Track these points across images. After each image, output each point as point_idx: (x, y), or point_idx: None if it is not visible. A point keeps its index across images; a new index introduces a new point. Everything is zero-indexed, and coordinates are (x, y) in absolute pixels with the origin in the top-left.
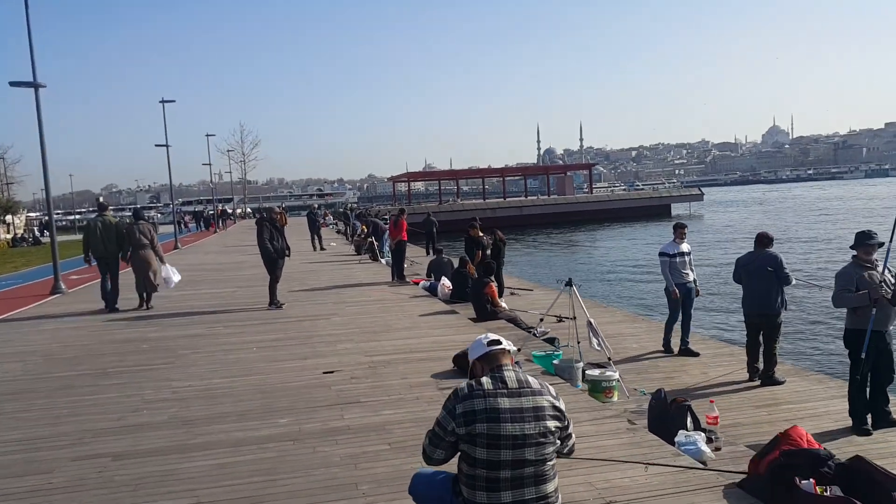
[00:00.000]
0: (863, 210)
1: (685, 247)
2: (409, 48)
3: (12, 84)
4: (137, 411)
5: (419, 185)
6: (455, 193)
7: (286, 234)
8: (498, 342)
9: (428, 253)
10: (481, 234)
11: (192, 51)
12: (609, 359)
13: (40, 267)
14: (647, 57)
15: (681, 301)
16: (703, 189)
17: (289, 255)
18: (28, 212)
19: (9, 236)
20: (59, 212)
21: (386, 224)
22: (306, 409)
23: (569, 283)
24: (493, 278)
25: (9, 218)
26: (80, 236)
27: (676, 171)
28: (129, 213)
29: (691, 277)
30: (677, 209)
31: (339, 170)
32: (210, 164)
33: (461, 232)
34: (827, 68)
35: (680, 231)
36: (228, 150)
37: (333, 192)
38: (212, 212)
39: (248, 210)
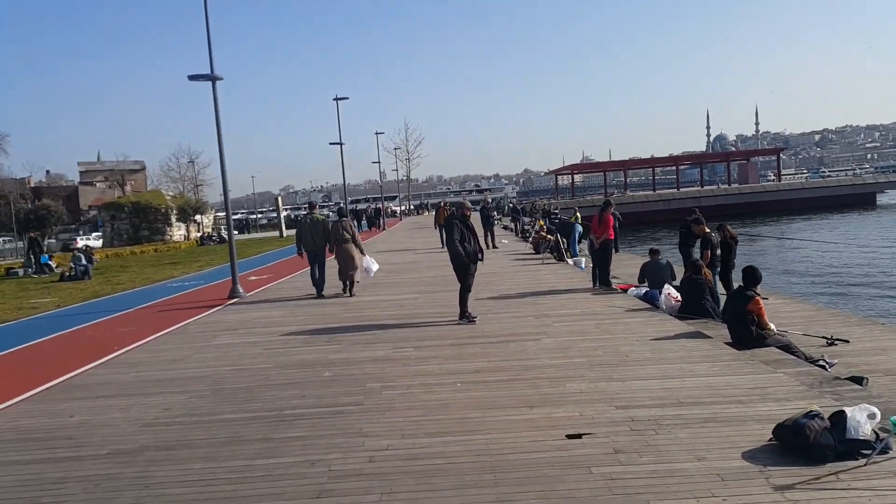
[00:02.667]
0: None
1: None
2: (562, 37)
3: (191, 78)
4: (323, 495)
5: (577, 178)
6: (623, 185)
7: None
8: None
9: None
10: (707, 229)
11: (349, 48)
12: None
13: (223, 266)
14: (830, 28)
15: None
16: None
17: (482, 260)
18: (216, 212)
19: (197, 235)
20: (244, 211)
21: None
22: None
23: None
24: (758, 290)
25: (198, 217)
26: (247, 236)
27: (868, 156)
28: (305, 211)
29: None
30: (884, 198)
31: (495, 165)
32: (379, 162)
33: (633, 226)
34: None
35: None
36: (395, 148)
37: (491, 188)
38: (369, 209)
39: (412, 206)
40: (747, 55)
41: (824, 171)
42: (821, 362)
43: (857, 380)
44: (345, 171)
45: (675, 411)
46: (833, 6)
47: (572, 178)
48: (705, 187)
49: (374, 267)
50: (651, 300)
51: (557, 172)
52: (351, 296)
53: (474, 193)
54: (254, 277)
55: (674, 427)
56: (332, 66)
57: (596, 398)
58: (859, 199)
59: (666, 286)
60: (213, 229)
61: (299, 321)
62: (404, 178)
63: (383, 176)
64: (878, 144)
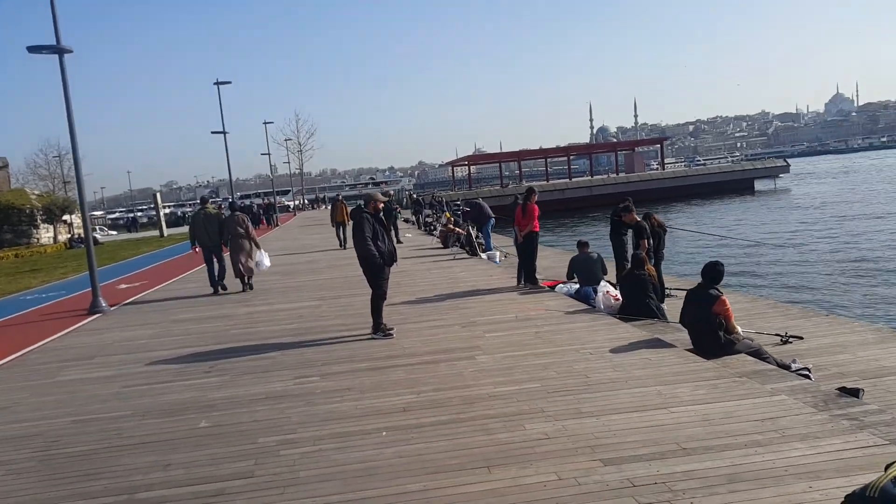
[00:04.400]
0: None
1: None
2: (453, 29)
3: (31, 49)
4: None
5: (473, 170)
6: (518, 175)
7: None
8: None
9: (516, 242)
10: (638, 219)
11: (236, 38)
12: None
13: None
14: (698, 28)
15: None
16: (787, 160)
17: (396, 261)
18: (92, 210)
19: (66, 237)
20: (122, 209)
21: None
22: None
23: None
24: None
25: (68, 218)
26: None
27: (738, 145)
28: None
29: None
30: (760, 184)
31: (389, 158)
32: (269, 154)
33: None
34: (889, 31)
35: None
36: (286, 140)
37: (387, 181)
38: (262, 204)
39: (306, 201)
40: (625, 50)
41: (699, 160)
42: (794, 367)
43: (853, 392)
44: (230, 162)
45: (682, 464)
46: (702, 7)
47: (469, 170)
48: (595, 177)
49: (267, 262)
50: (585, 298)
51: (453, 164)
52: (251, 290)
53: (370, 186)
54: (124, 286)
55: (694, 494)
56: (216, 55)
57: (570, 447)
58: (739, 185)
59: (603, 283)
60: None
61: (173, 343)
62: (297, 171)
63: (274, 169)
64: (746, 134)
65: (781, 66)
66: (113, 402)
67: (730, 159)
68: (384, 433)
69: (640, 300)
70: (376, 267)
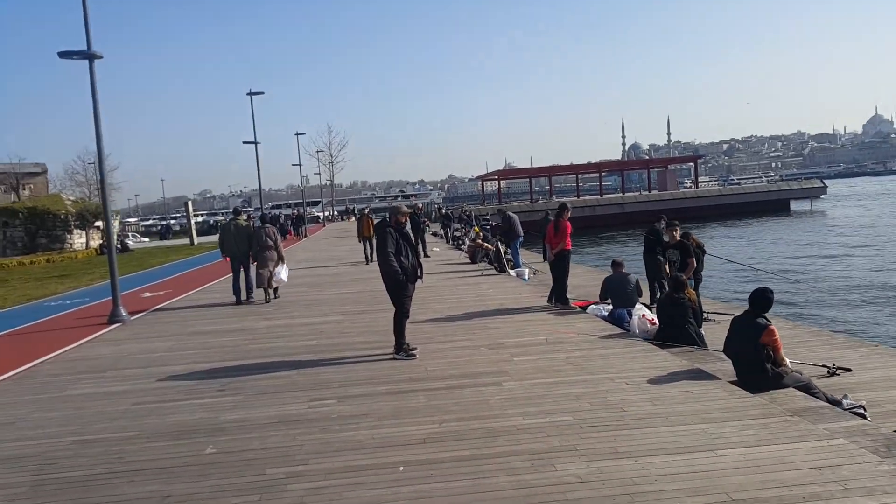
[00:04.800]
0: None
1: None
2: (488, 46)
3: (61, 55)
4: None
5: (503, 184)
6: (549, 191)
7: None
8: None
9: (545, 259)
10: (679, 237)
11: (272, 48)
12: None
13: (119, 279)
14: (735, 46)
15: None
16: (823, 182)
17: (421, 278)
18: (125, 217)
19: (97, 243)
20: (156, 216)
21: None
22: None
23: None
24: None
25: (101, 224)
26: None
27: (772, 165)
28: (229, 216)
29: None
30: (796, 205)
31: (419, 171)
32: (300, 165)
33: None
34: None
35: None
36: (318, 151)
37: (416, 194)
38: (285, 215)
39: (336, 213)
40: (659, 68)
41: (732, 179)
42: (846, 404)
43: None
44: (260, 173)
45: None
46: (737, 25)
47: (499, 184)
48: (627, 194)
49: (284, 276)
50: (619, 321)
51: (483, 178)
52: (276, 297)
53: (399, 199)
54: (148, 294)
55: None
56: (251, 65)
57: (606, 493)
58: (774, 206)
59: (639, 306)
60: (118, 236)
61: (189, 357)
62: (328, 182)
63: (305, 180)
64: (781, 154)
65: (818, 85)
66: (120, 421)
67: (764, 179)
68: (401, 468)
69: (678, 325)
70: (399, 283)
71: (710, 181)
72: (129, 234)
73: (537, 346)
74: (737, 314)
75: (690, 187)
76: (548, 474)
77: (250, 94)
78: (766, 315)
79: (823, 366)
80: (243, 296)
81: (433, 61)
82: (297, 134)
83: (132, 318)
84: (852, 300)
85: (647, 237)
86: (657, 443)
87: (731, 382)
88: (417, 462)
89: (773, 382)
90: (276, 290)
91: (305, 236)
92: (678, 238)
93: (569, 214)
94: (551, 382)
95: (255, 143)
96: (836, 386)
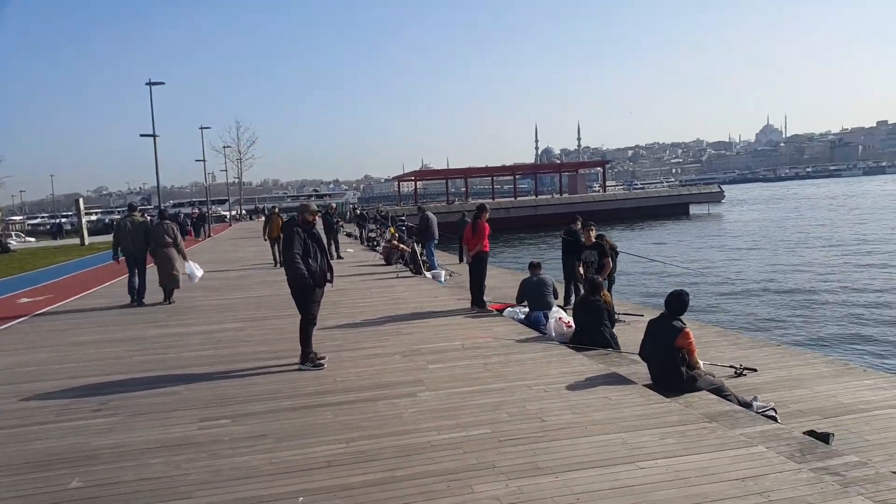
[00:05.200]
0: None
1: None
2: (403, 48)
3: None
4: None
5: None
6: (464, 193)
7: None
8: None
9: (461, 261)
10: (595, 238)
11: (178, 42)
12: None
13: None
14: (640, 55)
15: None
16: (721, 187)
17: (331, 282)
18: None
19: None
20: (44, 214)
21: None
22: None
23: None
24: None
25: None
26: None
27: (673, 171)
28: (123, 215)
29: None
30: (696, 209)
31: (334, 170)
32: (204, 161)
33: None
34: (819, 67)
35: None
36: (224, 147)
37: (331, 193)
38: (185, 214)
39: (244, 212)
40: (572, 75)
41: (637, 184)
42: (756, 406)
43: (823, 437)
44: (158, 168)
45: None
46: (643, 36)
47: (415, 185)
48: (539, 196)
49: (199, 273)
50: (535, 324)
51: (399, 179)
52: (171, 303)
53: (313, 198)
54: (26, 300)
55: None
56: (156, 59)
57: None
58: (675, 210)
59: (555, 309)
60: (1, 235)
61: (65, 371)
62: (235, 180)
63: (212, 178)
64: (681, 160)
65: (716, 95)
66: None
67: (665, 184)
68: (300, 500)
69: (594, 328)
70: (305, 288)
71: (617, 185)
72: (12, 233)
73: (454, 352)
74: (652, 317)
75: (599, 191)
76: (465, 497)
77: (149, 83)
78: (682, 318)
79: (731, 366)
80: (138, 298)
81: (350, 62)
82: (201, 128)
83: (1, 327)
84: (753, 301)
85: (565, 238)
86: (578, 456)
87: (647, 386)
88: (321, 490)
89: (688, 385)
90: (171, 293)
91: (209, 236)
92: (594, 239)
93: (487, 216)
94: (468, 392)
95: (154, 135)
96: (744, 386)
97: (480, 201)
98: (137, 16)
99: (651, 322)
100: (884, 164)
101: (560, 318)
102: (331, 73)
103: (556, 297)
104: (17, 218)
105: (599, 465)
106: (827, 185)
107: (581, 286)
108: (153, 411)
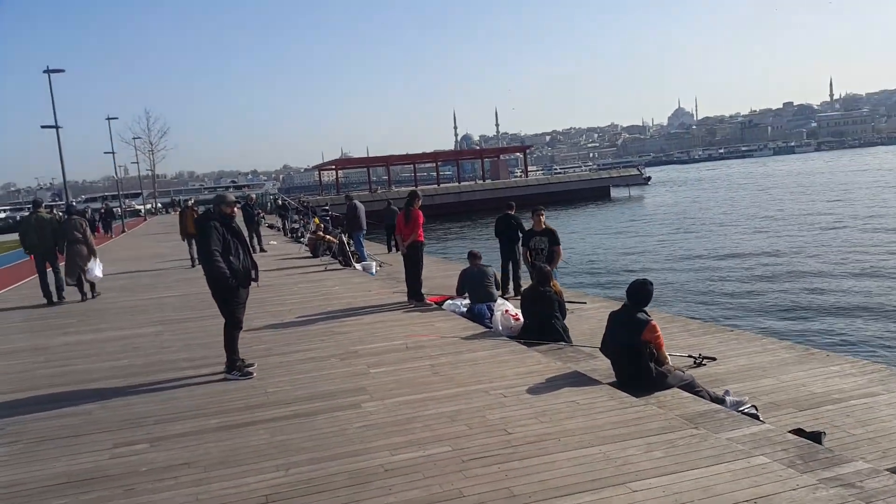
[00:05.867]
0: (816, 185)
1: None
2: (317, 34)
3: None
4: None
5: (340, 174)
6: (386, 181)
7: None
8: None
9: (389, 251)
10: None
11: (82, 26)
12: None
13: None
14: (558, 42)
15: None
16: (641, 169)
17: (256, 281)
18: None
19: None
20: None
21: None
22: None
23: None
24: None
25: None
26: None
27: (590, 155)
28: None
29: None
30: (616, 192)
31: (252, 161)
32: (113, 153)
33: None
34: (726, 51)
35: None
36: (135, 138)
37: (250, 184)
38: (93, 209)
39: (159, 205)
40: (489, 61)
41: (556, 168)
42: (729, 401)
43: (814, 436)
44: (63, 161)
45: None
46: (556, 21)
47: (336, 174)
48: (462, 183)
49: (98, 272)
50: (479, 318)
51: (321, 168)
52: (94, 297)
53: (231, 189)
54: None
55: None
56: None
57: None
58: (596, 193)
59: (500, 301)
60: None
61: (68, 302)
62: (148, 172)
63: (123, 171)
64: (598, 144)
65: (629, 80)
66: None
67: (585, 168)
68: None
69: (544, 320)
70: (227, 289)
71: (537, 170)
72: None
73: (396, 352)
74: (612, 309)
75: (521, 176)
76: None
77: (47, 71)
78: (646, 309)
79: (689, 356)
80: (55, 296)
81: (265, 49)
82: (108, 118)
83: None
84: (693, 285)
85: (506, 223)
86: (558, 477)
87: (611, 384)
88: None
89: (658, 383)
90: (92, 286)
91: (123, 232)
92: (545, 225)
93: (420, 203)
94: (418, 400)
95: (56, 126)
96: (707, 377)
97: (411, 188)
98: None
99: (612, 315)
100: (792, 143)
101: (507, 311)
102: (245, 60)
103: (498, 289)
104: None
105: (585, 488)
106: (741, 164)
107: (520, 274)
108: (58, 436)
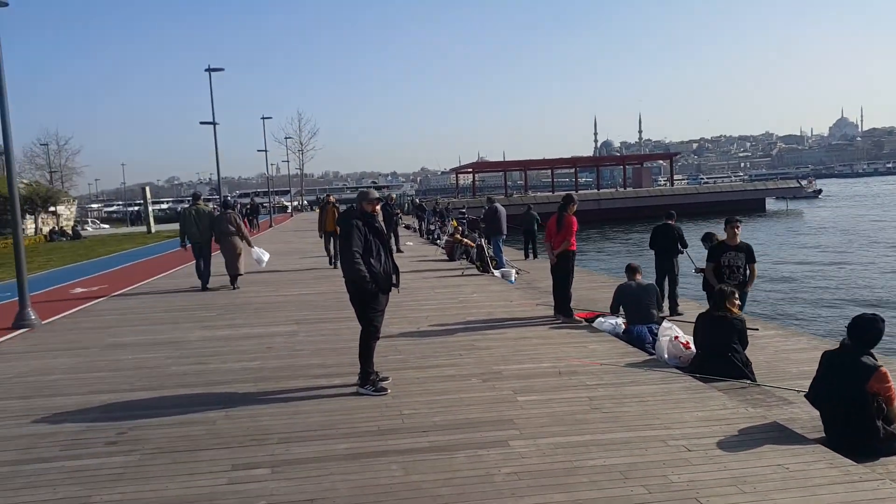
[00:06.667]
0: None
1: None
2: (461, 39)
3: None
4: None
5: (475, 177)
6: (522, 186)
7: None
8: None
9: (526, 257)
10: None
11: (239, 34)
12: None
13: (60, 269)
14: (706, 46)
15: None
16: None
17: (397, 286)
18: (84, 203)
19: (49, 228)
20: (120, 203)
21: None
22: None
23: None
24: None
25: (55, 209)
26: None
27: (741, 165)
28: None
29: None
30: (772, 204)
31: (392, 163)
32: (266, 151)
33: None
34: (892, 59)
35: None
36: (287, 138)
37: (389, 185)
38: (241, 204)
39: (305, 202)
40: (632, 66)
41: (702, 178)
42: None
43: None
44: (218, 156)
45: None
46: (708, 26)
47: (473, 177)
48: (602, 190)
49: (265, 257)
50: (639, 341)
51: (457, 171)
52: (235, 289)
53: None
54: (80, 289)
55: None
56: (223, 51)
57: None
58: (750, 205)
59: (667, 324)
60: (75, 223)
61: (90, 383)
62: (297, 171)
63: (275, 169)
64: (750, 154)
65: (786, 87)
66: None
67: (734, 179)
68: None
69: (722, 352)
70: (367, 294)
71: (682, 179)
72: (89, 220)
73: (546, 377)
74: (829, 348)
75: (665, 185)
76: None
77: (209, 70)
78: (873, 352)
79: None
80: (206, 282)
81: (409, 55)
82: (263, 118)
83: (44, 322)
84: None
85: (667, 233)
86: None
87: (819, 441)
88: None
89: (885, 446)
90: (234, 279)
91: (270, 227)
92: (739, 239)
93: (575, 208)
94: (580, 444)
95: (214, 123)
96: None
97: (566, 192)
98: (199, 5)
99: (828, 356)
100: None
101: (676, 338)
102: (384, 64)
103: (660, 310)
104: (95, 206)
105: None
106: None
107: (677, 292)
108: (177, 449)
